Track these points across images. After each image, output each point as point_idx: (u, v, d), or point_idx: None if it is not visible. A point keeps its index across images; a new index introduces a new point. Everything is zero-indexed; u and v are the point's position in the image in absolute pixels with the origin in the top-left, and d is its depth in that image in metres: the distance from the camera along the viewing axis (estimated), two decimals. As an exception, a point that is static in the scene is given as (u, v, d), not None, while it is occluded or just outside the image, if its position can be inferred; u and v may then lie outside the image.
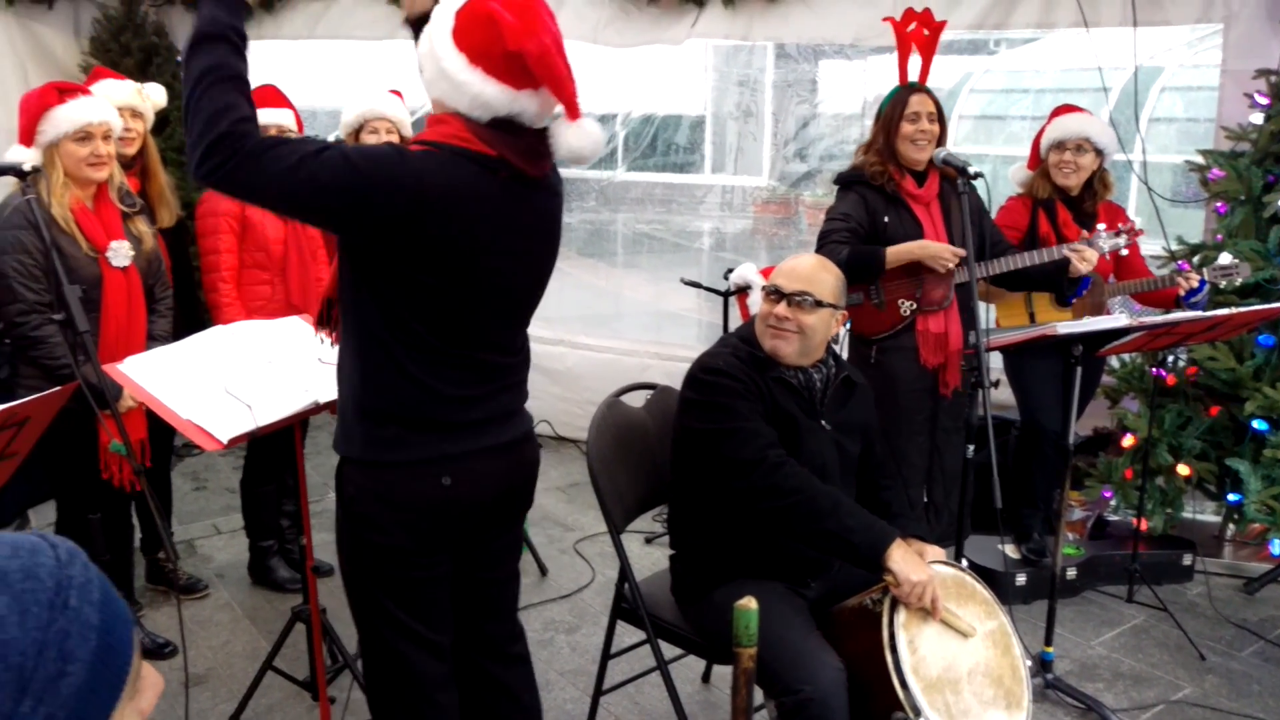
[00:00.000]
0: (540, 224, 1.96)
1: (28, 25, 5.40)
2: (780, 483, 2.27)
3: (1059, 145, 3.77)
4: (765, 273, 3.84)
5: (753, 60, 7.12)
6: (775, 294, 2.42)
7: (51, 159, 2.86)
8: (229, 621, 3.63)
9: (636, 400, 2.95)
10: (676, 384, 3.01)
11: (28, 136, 2.88)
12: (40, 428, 2.32)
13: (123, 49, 5.32)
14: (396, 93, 3.75)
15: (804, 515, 2.26)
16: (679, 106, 7.38)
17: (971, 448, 2.92)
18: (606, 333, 5.76)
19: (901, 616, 2.18)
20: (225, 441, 2.06)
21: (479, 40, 1.74)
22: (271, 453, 3.68)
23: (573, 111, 1.79)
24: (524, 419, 2.09)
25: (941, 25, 3.41)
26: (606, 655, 2.86)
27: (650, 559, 4.09)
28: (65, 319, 2.38)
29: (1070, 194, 3.80)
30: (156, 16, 5.56)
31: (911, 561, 2.19)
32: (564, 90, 1.77)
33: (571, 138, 1.81)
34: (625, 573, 2.69)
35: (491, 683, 2.26)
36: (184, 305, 3.50)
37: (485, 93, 1.75)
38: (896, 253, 3.30)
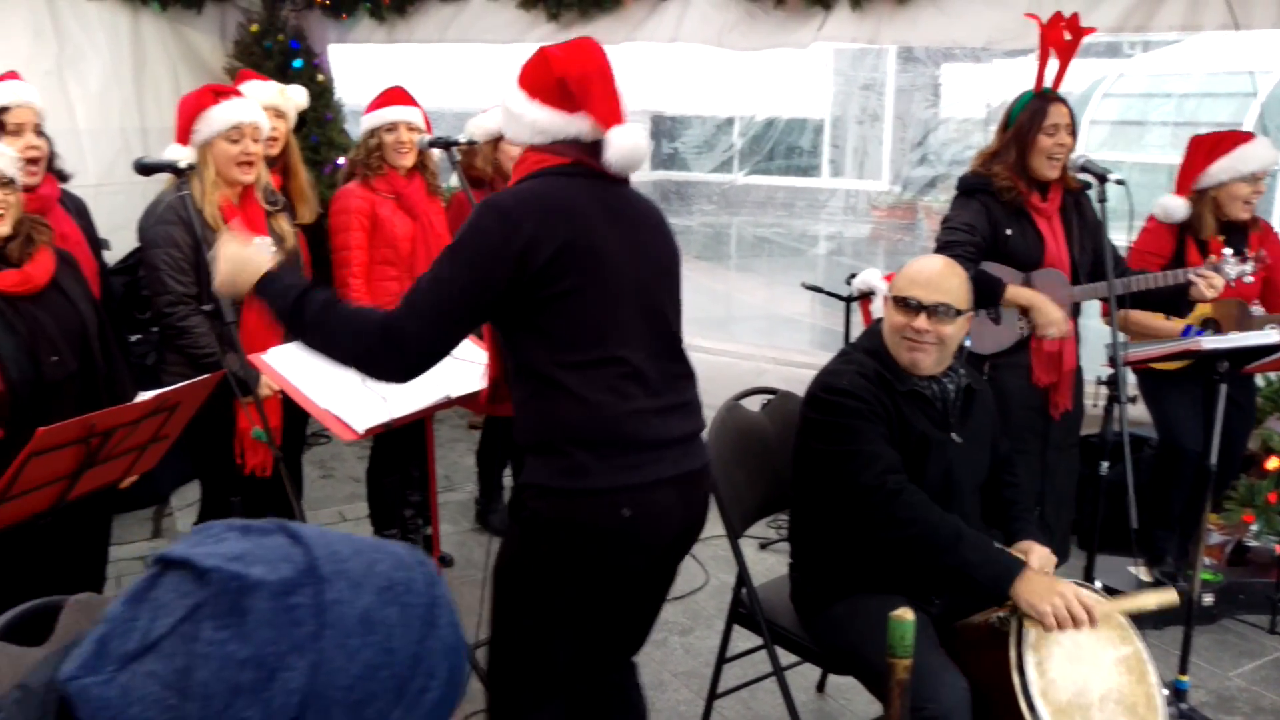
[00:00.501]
0: (639, 214, 2.07)
1: (179, 29, 5.67)
2: (897, 512, 2.22)
3: (1252, 178, 3.51)
4: (889, 278, 3.77)
5: (874, 64, 7.02)
6: (913, 306, 2.34)
7: (204, 157, 2.99)
8: (352, 607, 3.74)
9: (753, 404, 2.94)
10: (792, 389, 2.99)
11: (184, 135, 3.02)
12: (189, 413, 2.44)
13: (265, 52, 5.54)
14: None
15: (923, 547, 2.21)
16: (801, 110, 7.32)
17: (1106, 464, 2.82)
18: (721, 336, 5.75)
19: (1031, 637, 2.11)
20: (362, 432, 2.13)
21: (535, 77, 1.97)
22: (397, 444, 3.77)
23: (607, 121, 1.95)
24: (701, 450, 2.12)
25: (1088, 31, 3.26)
26: (722, 659, 2.86)
27: (764, 565, 4.06)
28: (213, 310, 2.48)
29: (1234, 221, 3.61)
30: (296, 21, 5.78)
31: (1040, 591, 2.10)
32: (600, 107, 1.94)
33: (613, 143, 1.95)
34: (743, 577, 2.68)
35: (615, 688, 2.31)
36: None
37: (540, 119, 1.96)
38: (1014, 295, 3.19)
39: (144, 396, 2.26)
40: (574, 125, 1.95)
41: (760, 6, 4.74)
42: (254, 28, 5.64)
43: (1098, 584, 2.51)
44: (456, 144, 3.04)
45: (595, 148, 1.98)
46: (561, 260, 1.89)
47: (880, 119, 7.27)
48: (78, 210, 3.41)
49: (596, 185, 1.98)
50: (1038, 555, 2.35)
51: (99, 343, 2.72)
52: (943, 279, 2.36)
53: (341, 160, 5.28)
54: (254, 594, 0.68)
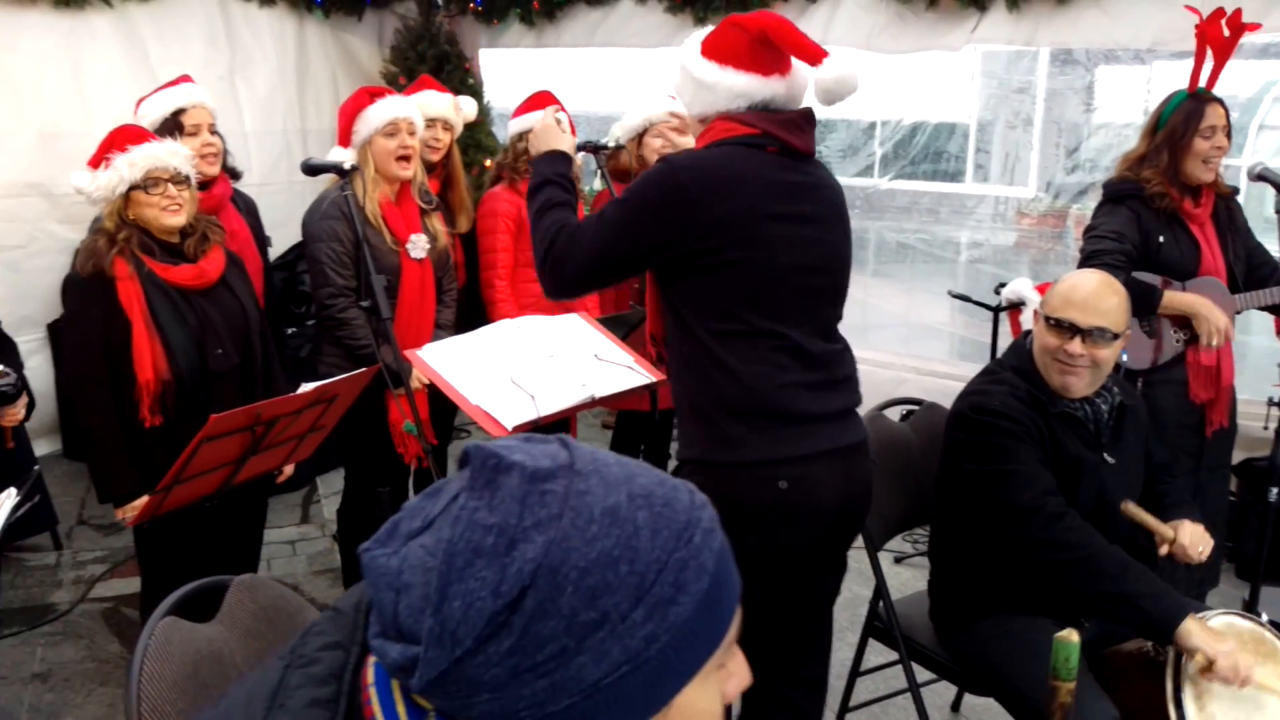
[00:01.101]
0: (819, 194, 2.06)
1: (340, 35, 5.91)
2: (1059, 536, 2.14)
3: None
4: (1042, 289, 3.65)
5: (1028, 66, 6.79)
6: (1067, 328, 2.23)
7: (365, 156, 3.12)
8: (488, 598, 3.83)
9: (892, 414, 2.89)
10: (934, 399, 2.94)
11: (344, 138, 3.16)
12: (346, 405, 2.55)
13: (419, 57, 5.73)
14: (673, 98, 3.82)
15: (1084, 574, 2.12)
16: (946, 114, 7.14)
17: (1276, 490, 2.66)
18: (858, 343, 5.61)
19: (1190, 669, 2.01)
20: (510, 428, 2.18)
21: (725, 44, 1.96)
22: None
23: (815, 58, 1.93)
24: (858, 425, 2.13)
25: (1249, 28, 3.06)
26: (855, 672, 2.82)
27: (899, 579, 3.98)
28: (371, 305, 2.59)
29: None
30: (450, 26, 5.95)
31: (1213, 633, 2.00)
32: (804, 48, 1.93)
33: (826, 77, 1.93)
34: (881, 591, 2.64)
35: (782, 703, 2.27)
36: (477, 300, 3.72)
37: (738, 84, 1.95)
38: (1173, 301, 3.04)
39: (306, 388, 2.37)
40: (770, 87, 1.96)
41: (911, 8, 4.65)
42: (409, 33, 5.83)
43: (1263, 616, 2.37)
44: (605, 148, 3.07)
45: (787, 115, 1.99)
46: (727, 232, 1.91)
47: (1031, 124, 7.02)
48: (247, 209, 3.59)
49: (780, 160, 1.99)
50: (1188, 531, 2.24)
51: (259, 338, 2.86)
52: (1100, 300, 2.23)
53: (489, 163, 5.42)
54: (509, 473, 0.73)
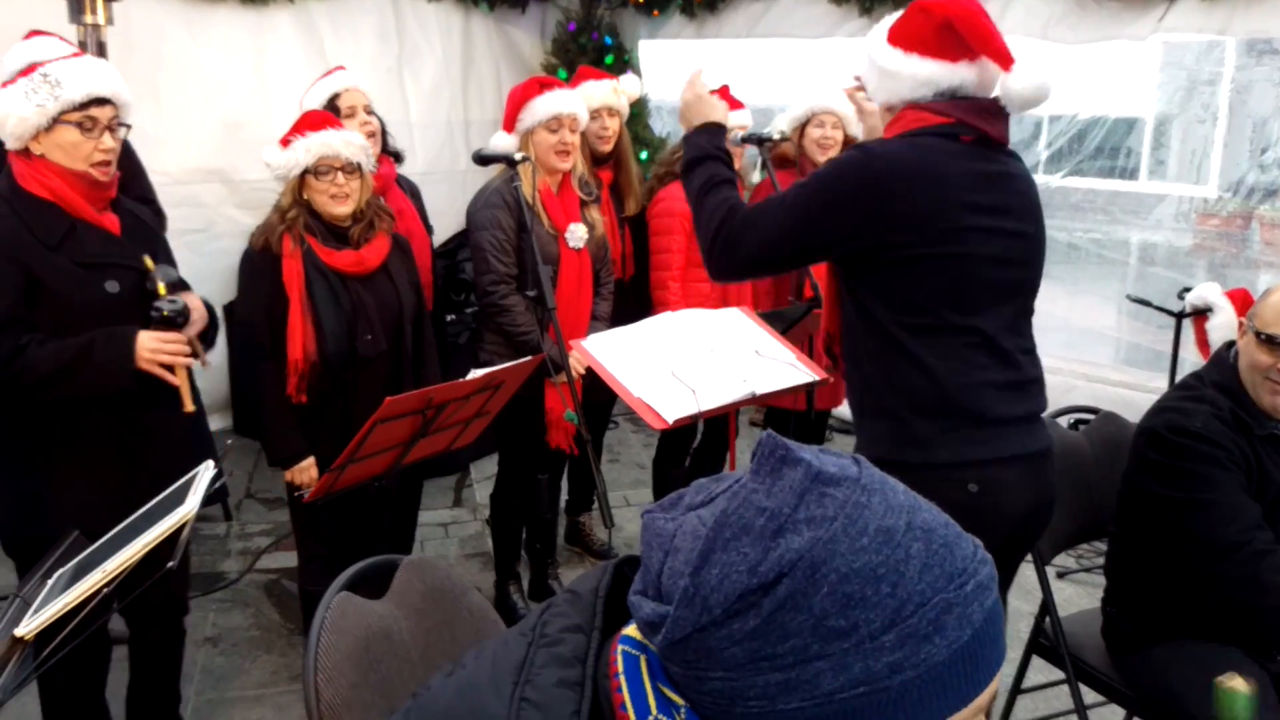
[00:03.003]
0: (1014, 184, 1.97)
1: (503, 28, 6.02)
2: (1265, 576, 1.98)
3: None
4: (1232, 296, 3.41)
5: (1218, 57, 6.38)
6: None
7: (526, 145, 3.15)
8: (633, 589, 3.83)
9: (1060, 421, 2.76)
10: (1104, 407, 2.79)
11: (510, 124, 3.20)
12: (510, 392, 2.58)
13: (580, 49, 5.78)
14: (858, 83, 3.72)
15: None
16: (1122, 108, 6.78)
17: None
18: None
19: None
20: (671, 422, 2.16)
21: (911, 30, 1.89)
22: (685, 437, 3.83)
23: (1005, 60, 1.85)
24: (1045, 432, 2.03)
25: None
26: (1016, 689, 2.71)
27: (1062, 595, 3.79)
28: (537, 295, 2.61)
29: None
30: (610, 18, 5.98)
31: None
32: (992, 44, 1.84)
33: (1014, 84, 1.86)
34: (1049, 608, 2.52)
35: None
36: (644, 292, 3.71)
37: (922, 71, 1.87)
38: None
39: (475, 374, 2.41)
40: (957, 74, 1.88)
41: (1094, -3, 4.42)
42: (570, 25, 5.90)
43: None
44: (770, 140, 3.02)
45: (980, 102, 1.91)
46: (921, 229, 1.84)
47: (1215, 120, 6.60)
48: (411, 192, 3.67)
49: (975, 149, 1.91)
50: None
51: (412, 326, 2.92)
52: None
53: (644, 154, 5.43)
54: (794, 466, 0.75)
